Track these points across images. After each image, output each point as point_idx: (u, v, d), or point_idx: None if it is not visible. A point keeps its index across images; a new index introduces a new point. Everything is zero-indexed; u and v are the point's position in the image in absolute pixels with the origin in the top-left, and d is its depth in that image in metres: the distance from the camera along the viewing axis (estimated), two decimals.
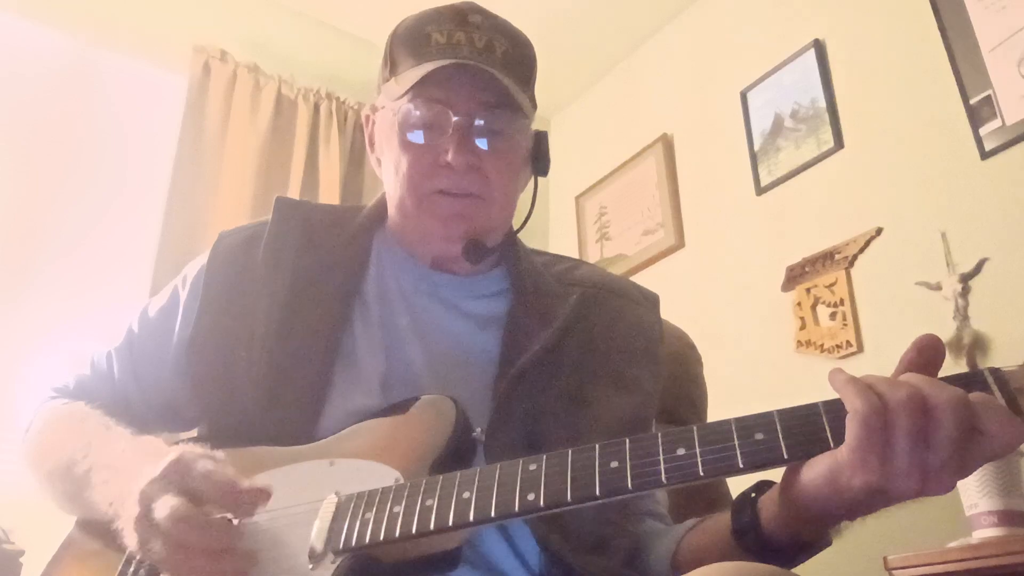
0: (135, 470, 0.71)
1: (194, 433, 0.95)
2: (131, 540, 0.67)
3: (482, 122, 0.88)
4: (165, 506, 0.63)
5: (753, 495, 0.73)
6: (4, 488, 1.66)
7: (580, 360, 0.92)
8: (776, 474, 0.67)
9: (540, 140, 0.97)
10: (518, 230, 1.01)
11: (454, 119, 0.87)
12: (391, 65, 0.94)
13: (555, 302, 0.96)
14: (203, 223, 2.31)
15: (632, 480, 0.61)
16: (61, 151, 2.28)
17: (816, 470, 0.59)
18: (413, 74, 0.88)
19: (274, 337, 0.87)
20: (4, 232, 2.13)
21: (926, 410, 0.54)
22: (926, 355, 0.60)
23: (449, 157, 0.87)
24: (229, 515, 0.66)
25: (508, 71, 0.90)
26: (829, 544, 0.71)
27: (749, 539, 0.71)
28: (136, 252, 2.29)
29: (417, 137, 0.89)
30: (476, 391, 0.85)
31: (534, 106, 0.97)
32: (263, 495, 0.67)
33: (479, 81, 0.87)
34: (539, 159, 0.97)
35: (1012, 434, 0.54)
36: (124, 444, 0.79)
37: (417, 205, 0.91)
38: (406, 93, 0.88)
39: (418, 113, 0.88)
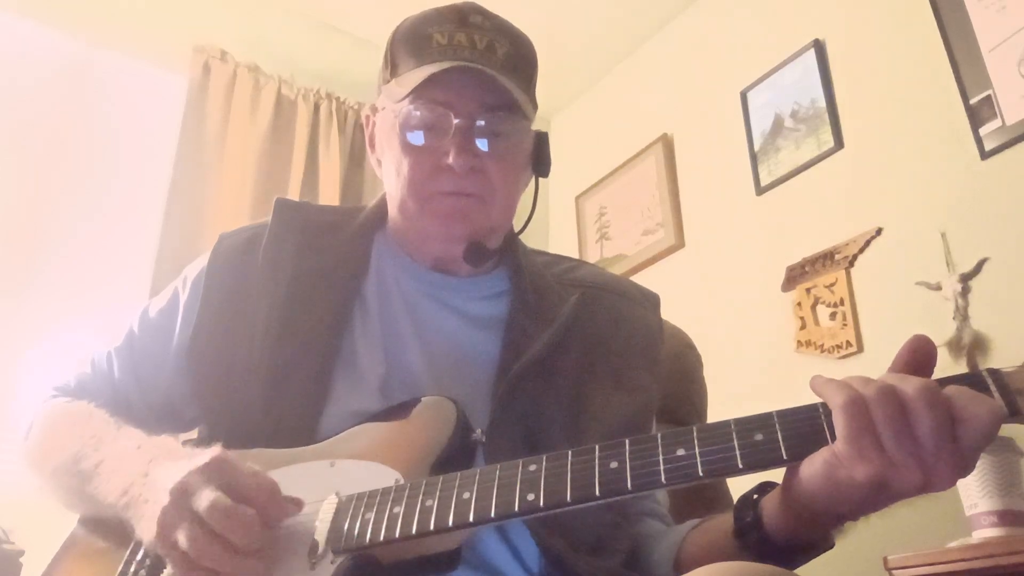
0: (151, 466, 0.71)
1: (194, 434, 0.96)
2: (148, 528, 0.67)
3: (483, 124, 0.88)
4: (207, 497, 0.64)
5: (755, 496, 0.73)
6: (4, 488, 1.66)
7: (580, 361, 0.92)
8: (778, 476, 0.67)
9: (541, 141, 0.97)
10: (519, 232, 1.01)
11: (455, 121, 0.87)
12: (392, 66, 0.94)
13: (555, 303, 0.96)
14: (203, 223, 2.31)
15: (632, 481, 0.61)
16: (61, 151, 2.28)
17: (814, 465, 0.60)
18: (414, 76, 0.87)
19: (274, 338, 0.87)
20: (4, 232, 2.14)
21: (899, 400, 0.56)
22: (918, 357, 0.61)
23: (450, 159, 0.87)
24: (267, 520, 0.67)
25: (509, 73, 0.90)
26: (832, 546, 0.71)
27: (751, 540, 0.72)
28: (136, 252, 2.29)
29: (418, 139, 0.89)
30: (476, 392, 0.86)
31: (535, 107, 0.97)
32: (297, 507, 0.69)
33: (480, 83, 0.87)
34: (540, 160, 0.97)
35: (987, 412, 0.55)
36: (138, 442, 0.79)
37: (419, 207, 0.91)
38: (407, 95, 0.88)
39: (419, 115, 0.88)
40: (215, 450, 0.69)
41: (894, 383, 0.57)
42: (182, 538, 0.63)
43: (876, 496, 0.58)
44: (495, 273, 0.99)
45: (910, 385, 0.57)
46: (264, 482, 0.68)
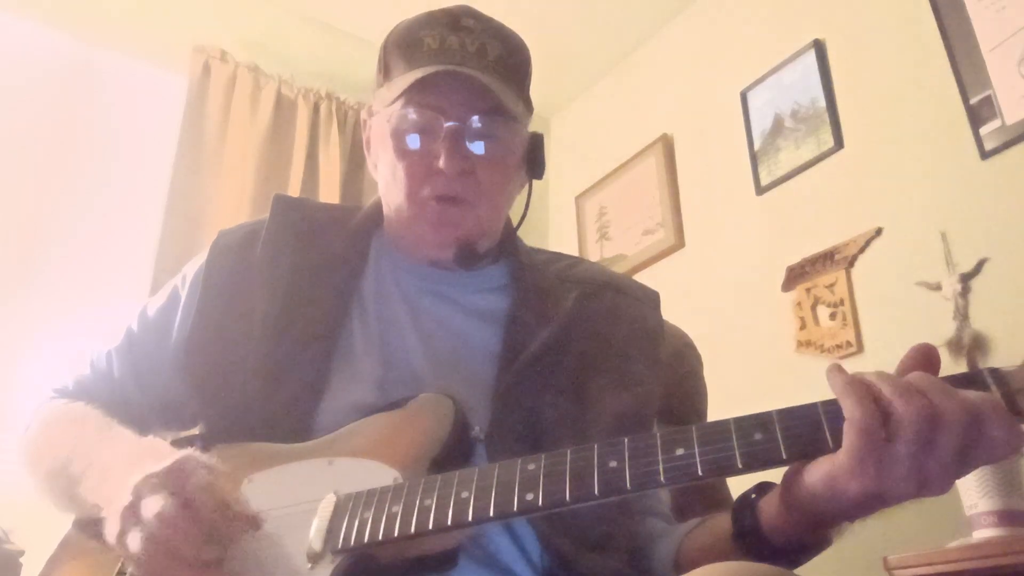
0: (135, 469, 0.71)
1: (194, 431, 0.95)
2: (112, 528, 0.66)
3: (474, 127, 0.88)
4: (155, 504, 0.63)
5: (753, 496, 0.73)
6: (4, 488, 1.65)
7: (581, 357, 0.92)
8: (776, 475, 0.67)
9: (535, 143, 0.97)
10: (516, 227, 1.01)
11: (446, 125, 0.88)
12: (384, 71, 0.94)
13: (555, 299, 0.96)
14: (203, 223, 2.31)
15: (631, 480, 0.61)
16: (61, 151, 2.28)
17: (816, 474, 0.60)
18: (404, 80, 0.88)
19: (272, 334, 0.87)
20: (4, 232, 2.13)
21: (936, 423, 0.54)
22: (921, 366, 0.60)
23: (441, 163, 0.87)
24: (213, 535, 0.65)
25: (500, 75, 0.90)
26: (830, 544, 0.71)
27: (750, 540, 0.71)
28: (136, 252, 2.29)
29: (410, 142, 0.89)
30: (477, 388, 0.86)
31: (529, 109, 0.97)
32: (252, 523, 0.65)
33: (471, 86, 0.87)
34: (534, 163, 0.97)
35: (1015, 439, 0.54)
36: (126, 445, 0.79)
37: (413, 213, 0.92)
38: (398, 99, 0.88)
39: (410, 119, 0.89)
40: (178, 455, 0.67)
41: (937, 403, 0.54)
42: (136, 541, 0.63)
43: (868, 504, 0.58)
44: (495, 267, 0.99)
45: (953, 407, 0.54)
46: (215, 496, 0.65)
